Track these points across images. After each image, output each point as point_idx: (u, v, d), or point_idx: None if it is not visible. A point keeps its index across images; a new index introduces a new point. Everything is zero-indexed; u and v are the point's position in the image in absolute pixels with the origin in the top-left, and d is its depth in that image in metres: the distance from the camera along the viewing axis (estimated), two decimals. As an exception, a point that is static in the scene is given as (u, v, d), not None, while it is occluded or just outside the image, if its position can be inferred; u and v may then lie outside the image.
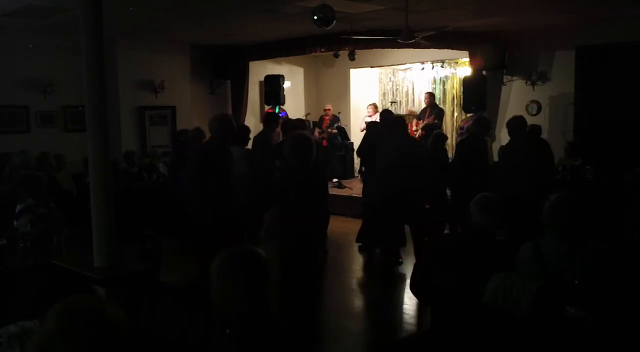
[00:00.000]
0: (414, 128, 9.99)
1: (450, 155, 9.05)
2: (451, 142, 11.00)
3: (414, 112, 10.69)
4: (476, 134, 6.43)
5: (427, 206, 6.05)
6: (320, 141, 10.01)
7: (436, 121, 9.77)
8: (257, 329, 1.92)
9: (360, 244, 7.01)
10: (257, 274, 1.96)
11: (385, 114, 7.47)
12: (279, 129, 7.74)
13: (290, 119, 8.45)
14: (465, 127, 8.49)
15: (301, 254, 4.53)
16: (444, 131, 10.94)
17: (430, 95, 10.21)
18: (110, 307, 1.50)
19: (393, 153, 5.89)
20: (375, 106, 10.62)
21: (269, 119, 7.36)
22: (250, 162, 5.82)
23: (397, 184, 5.74)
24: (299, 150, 4.54)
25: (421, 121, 9.97)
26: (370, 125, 7.94)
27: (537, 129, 7.03)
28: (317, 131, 10.42)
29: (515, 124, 6.05)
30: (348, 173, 10.88)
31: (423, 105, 11.06)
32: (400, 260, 6.40)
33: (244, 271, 1.95)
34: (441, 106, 11.15)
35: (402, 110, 11.35)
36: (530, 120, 7.19)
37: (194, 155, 5.10)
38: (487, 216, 3.18)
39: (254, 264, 1.97)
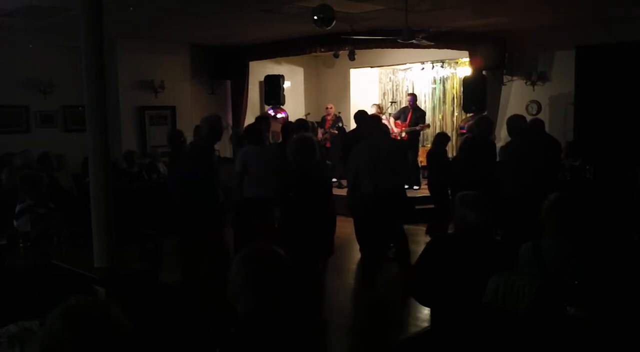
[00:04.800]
0: (391, 126, 9.50)
1: (450, 155, 9.04)
2: (451, 142, 11.00)
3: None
4: (479, 134, 6.42)
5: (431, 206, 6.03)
6: (323, 142, 10.00)
7: (421, 125, 9.62)
8: (260, 329, 1.93)
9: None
10: (273, 274, 1.96)
11: (361, 114, 7.45)
12: (277, 130, 7.70)
13: (291, 121, 8.39)
14: (466, 127, 8.48)
15: (302, 255, 4.53)
16: (444, 131, 10.95)
17: (413, 97, 9.98)
18: (112, 309, 1.50)
19: (373, 154, 5.85)
20: (378, 106, 10.60)
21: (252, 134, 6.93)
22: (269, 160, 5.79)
23: (377, 184, 5.72)
24: (301, 152, 4.56)
25: (399, 121, 9.73)
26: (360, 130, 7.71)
27: (539, 123, 6.80)
28: (320, 132, 10.40)
29: (515, 124, 6.02)
30: (348, 173, 10.88)
31: (424, 105, 11.05)
32: (391, 256, 6.39)
33: (261, 269, 1.95)
34: (444, 106, 11.12)
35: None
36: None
37: (185, 155, 5.29)
38: (475, 212, 3.15)
39: (272, 264, 1.98)
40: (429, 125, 10.13)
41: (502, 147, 6.61)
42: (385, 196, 5.63)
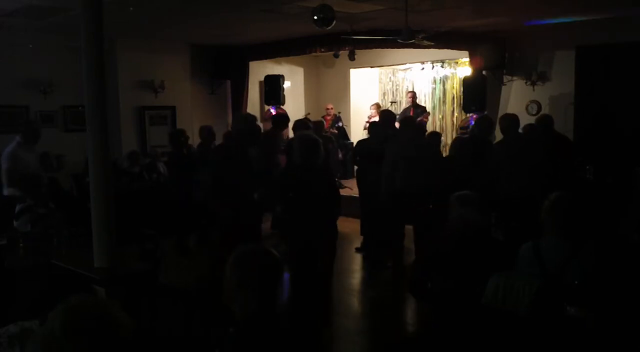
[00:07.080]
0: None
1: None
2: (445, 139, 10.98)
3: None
4: (479, 133, 6.41)
5: (430, 206, 6.04)
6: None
7: (425, 120, 9.76)
8: (260, 329, 1.93)
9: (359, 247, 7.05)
10: (270, 274, 1.98)
11: (387, 113, 7.47)
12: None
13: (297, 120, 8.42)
14: (468, 127, 8.48)
15: (304, 254, 4.54)
16: (444, 131, 10.96)
17: (414, 95, 10.27)
18: (113, 309, 1.50)
19: (409, 151, 5.89)
20: (378, 106, 10.61)
21: (279, 121, 7.26)
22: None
23: (408, 181, 5.76)
24: (305, 150, 4.57)
25: None
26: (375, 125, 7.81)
27: (547, 120, 6.54)
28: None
29: (506, 122, 6.02)
30: (348, 173, 10.89)
31: (424, 104, 11.05)
32: (389, 264, 6.38)
33: (259, 270, 1.96)
34: (444, 106, 11.08)
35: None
36: (530, 120, 7.17)
37: (211, 154, 5.41)
38: (470, 211, 3.16)
39: (268, 264, 1.99)
40: (429, 113, 10.22)
41: (494, 145, 6.57)
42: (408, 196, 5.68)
